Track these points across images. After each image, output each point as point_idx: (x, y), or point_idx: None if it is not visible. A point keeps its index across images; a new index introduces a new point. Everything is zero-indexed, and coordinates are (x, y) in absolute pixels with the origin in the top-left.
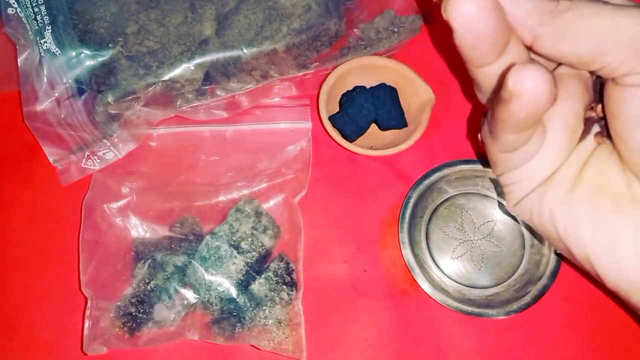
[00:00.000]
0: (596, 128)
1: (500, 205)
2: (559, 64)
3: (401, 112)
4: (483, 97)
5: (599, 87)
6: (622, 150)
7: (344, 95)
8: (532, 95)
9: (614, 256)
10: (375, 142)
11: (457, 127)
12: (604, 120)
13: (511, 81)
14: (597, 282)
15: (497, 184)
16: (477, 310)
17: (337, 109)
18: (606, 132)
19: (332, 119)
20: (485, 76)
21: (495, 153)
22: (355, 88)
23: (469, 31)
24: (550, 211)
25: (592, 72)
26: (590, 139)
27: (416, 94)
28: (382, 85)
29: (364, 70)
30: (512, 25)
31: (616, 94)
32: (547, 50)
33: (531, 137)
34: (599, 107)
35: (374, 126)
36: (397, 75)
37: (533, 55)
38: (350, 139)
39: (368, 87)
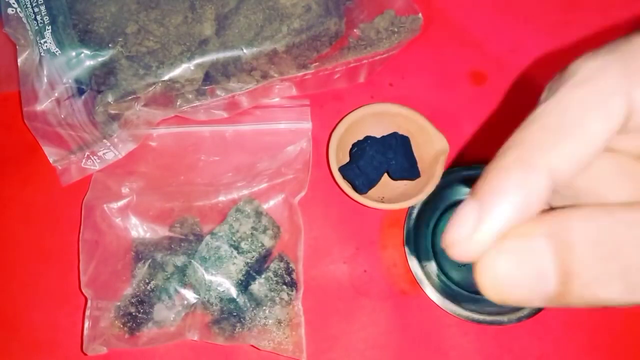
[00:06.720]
0: None
1: None
2: None
3: (414, 162)
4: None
5: None
6: None
7: (354, 145)
8: None
9: None
10: (386, 193)
11: (458, 131)
12: None
13: None
14: None
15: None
16: (488, 318)
17: (347, 158)
18: None
19: (342, 170)
20: None
21: None
22: (367, 138)
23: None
24: None
25: None
26: None
27: (430, 142)
28: (394, 135)
29: (375, 117)
30: None
31: None
32: None
33: None
34: None
35: (385, 175)
36: (410, 123)
37: None
38: (361, 191)
39: (379, 135)
